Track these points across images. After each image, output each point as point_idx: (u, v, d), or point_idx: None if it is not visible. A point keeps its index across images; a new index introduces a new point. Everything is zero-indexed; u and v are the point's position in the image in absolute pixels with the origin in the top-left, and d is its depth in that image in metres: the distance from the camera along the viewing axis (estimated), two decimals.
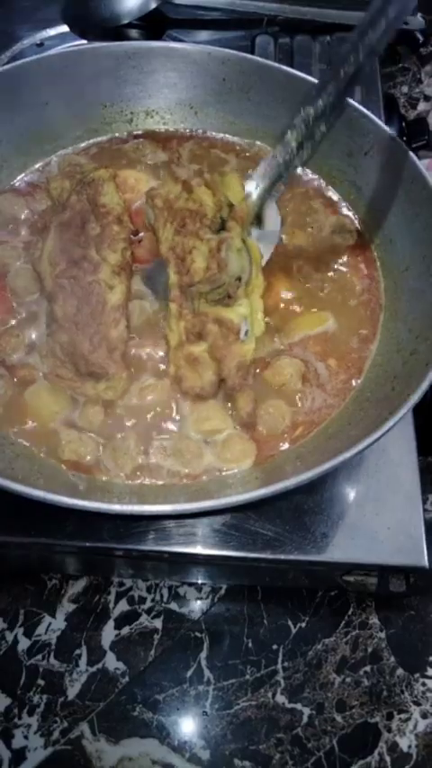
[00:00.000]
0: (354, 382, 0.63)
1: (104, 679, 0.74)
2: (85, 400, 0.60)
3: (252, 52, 0.94)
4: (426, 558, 0.62)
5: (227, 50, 0.70)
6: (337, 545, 0.63)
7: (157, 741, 0.72)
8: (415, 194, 0.64)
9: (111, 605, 0.78)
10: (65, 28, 0.95)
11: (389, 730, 0.73)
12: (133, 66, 0.71)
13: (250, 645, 0.76)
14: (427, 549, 0.62)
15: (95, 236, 0.63)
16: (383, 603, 0.78)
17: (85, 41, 0.94)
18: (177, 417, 0.61)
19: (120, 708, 0.73)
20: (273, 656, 0.76)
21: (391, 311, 0.65)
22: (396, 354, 0.61)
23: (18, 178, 0.72)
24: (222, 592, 0.79)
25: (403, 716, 0.74)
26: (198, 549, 0.62)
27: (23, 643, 0.75)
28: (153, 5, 0.93)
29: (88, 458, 0.58)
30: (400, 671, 0.76)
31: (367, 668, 0.76)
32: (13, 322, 0.64)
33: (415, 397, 0.52)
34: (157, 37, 0.96)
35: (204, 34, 0.98)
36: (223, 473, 0.59)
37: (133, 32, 0.96)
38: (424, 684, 0.75)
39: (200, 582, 0.78)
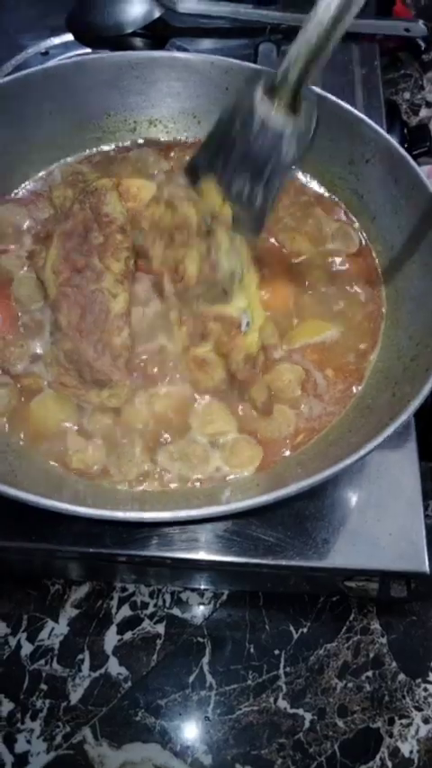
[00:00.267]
0: (355, 389, 0.63)
1: (107, 684, 0.75)
2: (93, 408, 0.61)
3: (255, 60, 0.94)
4: (427, 563, 0.62)
5: (229, 60, 0.71)
6: (339, 551, 0.63)
7: (160, 746, 0.73)
8: (416, 202, 0.64)
9: (113, 610, 0.78)
10: (69, 37, 0.95)
11: (390, 735, 0.74)
12: (136, 76, 0.72)
13: (252, 650, 0.77)
14: (428, 554, 0.63)
15: (98, 245, 0.64)
16: (385, 609, 0.79)
17: (89, 50, 0.95)
18: (182, 421, 0.61)
19: (122, 713, 0.74)
20: (275, 662, 0.76)
21: (392, 318, 0.65)
22: (397, 361, 0.61)
23: (21, 186, 0.72)
24: (224, 597, 0.79)
25: (405, 721, 0.74)
26: (200, 555, 0.63)
27: (26, 648, 0.76)
28: (157, 14, 0.94)
29: (96, 467, 0.58)
30: (401, 676, 0.76)
31: (369, 673, 0.76)
32: (18, 330, 0.64)
33: (416, 403, 0.52)
34: (161, 45, 0.96)
35: (208, 43, 0.98)
36: (227, 478, 0.60)
37: (137, 41, 0.97)
38: (426, 690, 0.76)
39: (202, 587, 0.79)
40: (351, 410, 0.62)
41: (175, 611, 0.78)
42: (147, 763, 0.72)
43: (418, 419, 0.68)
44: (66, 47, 0.96)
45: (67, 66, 0.71)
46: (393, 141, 0.65)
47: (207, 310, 0.60)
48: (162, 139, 0.76)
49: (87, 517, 0.49)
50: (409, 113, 1.14)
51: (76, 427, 0.60)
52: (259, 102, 0.53)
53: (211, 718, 0.74)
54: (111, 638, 0.77)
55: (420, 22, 1.00)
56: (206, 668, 0.76)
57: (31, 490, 0.50)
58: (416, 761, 0.72)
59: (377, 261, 0.69)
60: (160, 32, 0.97)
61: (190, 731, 0.73)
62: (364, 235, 0.70)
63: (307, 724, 0.74)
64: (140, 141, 0.76)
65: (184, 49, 0.97)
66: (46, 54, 0.96)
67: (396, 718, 0.74)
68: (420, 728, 0.74)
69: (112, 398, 0.60)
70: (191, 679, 0.75)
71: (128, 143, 0.76)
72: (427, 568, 0.62)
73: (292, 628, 0.78)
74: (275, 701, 0.75)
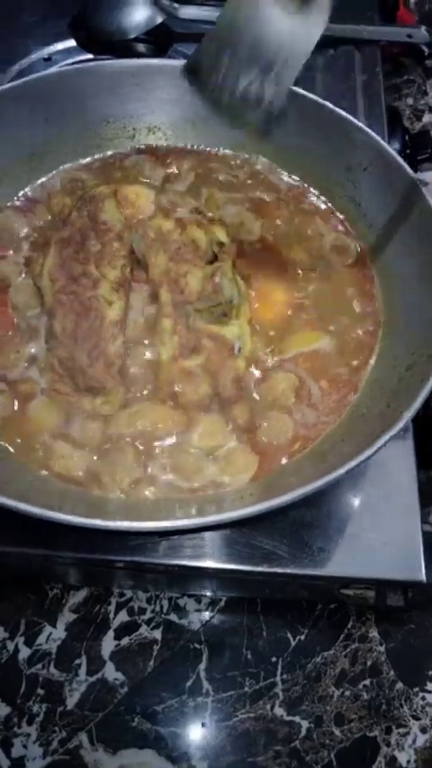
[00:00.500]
0: (350, 398, 0.63)
1: (103, 689, 0.75)
2: (85, 415, 0.61)
3: None
4: (423, 573, 0.62)
5: None
6: (335, 559, 0.63)
7: (155, 752, 0.73)
8: (413, 210, 0.64)
9: (111, 616, 0.78)
10: (72, 42, 0.96)
11: (387, 744, 0.73)
12: (136, 84, 0.72)
13: (249, 657, 0.77)
14: (425, 563, 0.62)
15: (96, 253, 0.64)
16: (383, 617, 0.78)
17: (92, 56, 0.95)
18: (177, 432, 0.62)
19: (118, 718, 0.74)
20: (272, 669, 0.76)
21: (388, 327, 0.65)
22: (392, 370, 0.61)
23: (20, 193, 0.72)
24: (222, 604, 0.79)
25: (402, 730, 0.74)
26: (195, 563, 0.63)
27: (24, 652, 0.76)
28: (159, 20, 0.94)
29: (80, 473, 0.58)
30: (399, 685, 0.76)
31: (366, 682, 0.76)
32: (15, 337, 0.65)
33: (408, 415, 0.52)
34: (164, 51, 0.97)
35: None
36: (219, 490, 0.60)
37: (140, 47, 0.97)
38: (423, 699, 0.75)
39: (199, 594, 0.79)
40: (346, 419, 0.62)
41: (173, 617, 0.78)
42: None
43: (417, 428, 0.68)
44: (69, 52, 0.96)
45: (67, 74, 0.71)
46: (390, 149, 0.65)
47: (204, 327, 0.61)
48: (161, 146, 0.76)
49: (75, 526, 0.49)
50: (412, 119, 1.14)
51: (68, 434, 0.60)
52: None
53: (208, 724, 0.74)
54: (108, 644, 0.77)
55: (423, 29, 1.00)
56: (203, 674, 0.76)
57: (21, 498, 0.50)
58: None
59: (374, 270, 0.68)
60: (163, 38, 0.97)
61: (186, 737, 0.73)
62: (361, 242, 0.70)
63: (303, 732, 0.74)
64: (139, 148, 0.76)
65: (187, 56, 0.97)
66: (49, 60, 0.96)
67: (393, 727, 0.74)
68: (418, 738, 0.74)
69: (105, 406, 0.60)
70: (187, 685, 0.75)
71: (127, 150, 0.76)
72: (423, 577, 0.62)
73: (289, 635, 0.78)
74: (272, 708, 0.75)
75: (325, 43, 0.95)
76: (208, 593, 0.79)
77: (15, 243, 0.69)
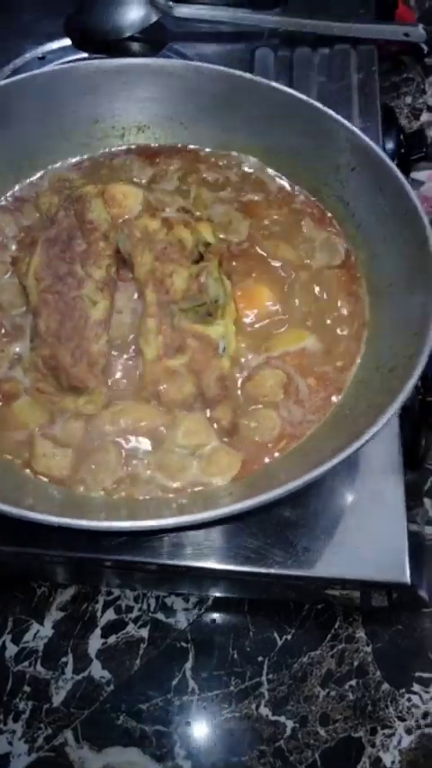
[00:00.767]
0: (334, 398, 0.63)
1: (90, 687, 0.75)
2: (69, 415, 0.61)
3: (252, 64, 0.94)
4: (408, 574, 0.62)
5: (216, 67, 0.71)
6: (319, 559, 0.63)
7: (140, 750, 0.73)
8: (399, 210, 0.63)
9: (98, 614, 0.78)
10: (67, 41, 0.96)
11: (372, 745, 0.73)
12: (124, 83, 0.72)
13: (236, 656, 0.77)
14: (410, 565, 0.62)
15: (81, 252, 0.64)
16: (370, 618, 0.78)
17: (86, 54, 0.95)
18: (161, 431, 0.62)
19: (104, 716, 0.74)
20: (258, 668, 0.76)
21: (374, 328, 0.65)
22: (375, 372, 0.61)
23: (8, 193, 0.73)
24: (209, 603, 0.79)
25: (387, 731, 0.74)
26: (179, 562, 0.63)
27: (11, 649, 0.77)
28: (154, 19, 0.94)
29: (63, 472, 0.59)
30: (385, 686, 0.76)
31: (352, 682, 0.76)
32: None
33: (384, 419, 0.52)
34: (159, 50, 0.97)
35: (205, 47, 0.98)
36: (203, 489, 0.59)
37: (135, 45, 0.97)
38: (409, 700, 0.75)
39: (187, 593, 0.79)
40: (330, 419, 0.62)
41: (160, 616, 0.79)
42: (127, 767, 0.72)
43: (404, 428, 0.67)
44: (63, 51, 0.96)
45: (55, 73, 0.71)
46: (378, 150, 0.65)
47: (188, 326, 0.61)
48: (150, 146, 0.76)
49: (55, 526, 0.49)
50: (410, 117, 1.13)
51: (50, 434, 0.60)
52: None
53: (193, 723, 0.74)
54: (95, 642, 0.77)
55: (420, 27, 0.99)
56: (189, 673, 0.76)
57: (3, 499, 0.50)
58: None
59: (361, 270, 0.68)
60: (157, 37, 0.97)
61: (171, 736, 0.74)
62: (349, 242, 0.70)
63: (288, 731, 0.74)
64: (128, 148, 0.76)
65: (182, 54, 0.97)
66: (43, 59, 0.96)
67: (379, 727, 0.74)
68: (403, 739, 0.74)
69: (88, 405, 0.60)
70: (173, 684, 0.76)
71: (116, 149, 0.76)
72: (407, 579, 0.62)
73: (276, 635, 0.78)
74: (257, 707, 0.75)
75: (321, 41, 0.96)
76: (195, 593, 0.79)
77: (2, 242, 0.69)
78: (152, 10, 0.94)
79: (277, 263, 0.69)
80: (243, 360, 0.64)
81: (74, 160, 0.75)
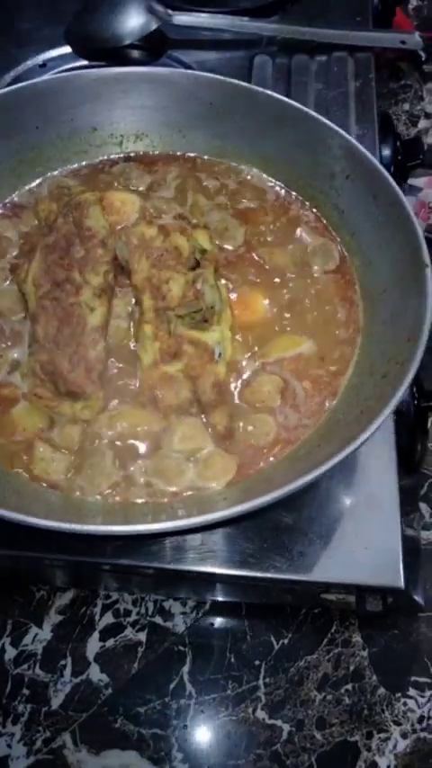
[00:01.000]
0: (328, 404, 0.64)
1: (88, 690, 0.76)
2: (65, 420, 0.62)
3: (250, 72, 0.95)
4: (402, 579, 0.62)
5: (212, 75, 0.72)
6: (314, 564, 0.64)
7: (138, 753, 0.73)
8: (393, 218, 0.64)
9: (96, 617, 0.79)
10: (67, 49, 0.97)
11: (368, 749, 0.74)
12: (122, 91, 0.73)
13: (233, 660, 0.77)
14: (404, 570, 0.63)
15: (80, 259, 0.65)
16: (367, 622, 0.78)
17: (86, 62, 0.96)
18: (157, 436, 0.62)
19: (102, 719, 0.75)
20: (255, 672, 0.77)
21: (367, 333, 0.66)
22: (369, 377, 0.62)
23: (7, 200, 0.73)
24: (207, 607, 0.79)
25: (383, 735, 0.74)
26: (177, 565, 0.63)
27: (10, 652, 0.77)
28: (154, 26, 0.95)
29: (60, 476, 0.59)
30: (381, 690, 0.76)
31: (349, 686, 0.76)
32: None
33: (375, 425, 0.52)
34: (158, 57, 0.98)
35: (205, 54, 0.99)
36: (198, 493, 0.60)
37: (135, 53, 0.98)
38: (405, 704, 0.75)
39: (185, 597, 0.79)
40: (323, 424, 0.62)
41: (158, 620, 0.79)
42: None
43: (399, 433, 0.68)
44: (63, 59, 0.97)
45: (55, 81, 0.72)
46: (372, 158, 0.66)
47: (185, 333, 0.62)
48: (149, 153, 0.77)
49: (52, 530, 0.50)
50: (408, 124, 1.14)
51: (48, 438, 0.61)
52: None
53: (190, 726, 0.74)
54: (93, 645, 0.78)
55: (417, 34, 1.00)
56: (186, 677, 0.76)
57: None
58: None
59: (355, 276, 0.69)
60: (157, 45, 0.98)
61: (168, 739, 0.74)
62: (344, 249, 0.71)
63: (285, 735, 0.74)
64: (127, 155, 0.77)
65: (181, 61, 0.98)
66: (44, 66, 0.97)
67: (374, 731, 0.74)
68: (398, 743, 0.74)
69: (85, 410, 0.61)
70: (171, 687, 0.76)
71: (114, 157, 0.77)
72: (402, 584, 0.62)
73: (273, 639, 0.78)
74: (254, 711, 0.75)
75: (318, 49, 0.97)
76: (193, 597, 0.80)
77: (2, 249, 0.70)
78: (152, 18, 0.95)
79: (273, 270, 0.70)
80: (239, 365, 0.65)
81: (73, 167, 0.76)
